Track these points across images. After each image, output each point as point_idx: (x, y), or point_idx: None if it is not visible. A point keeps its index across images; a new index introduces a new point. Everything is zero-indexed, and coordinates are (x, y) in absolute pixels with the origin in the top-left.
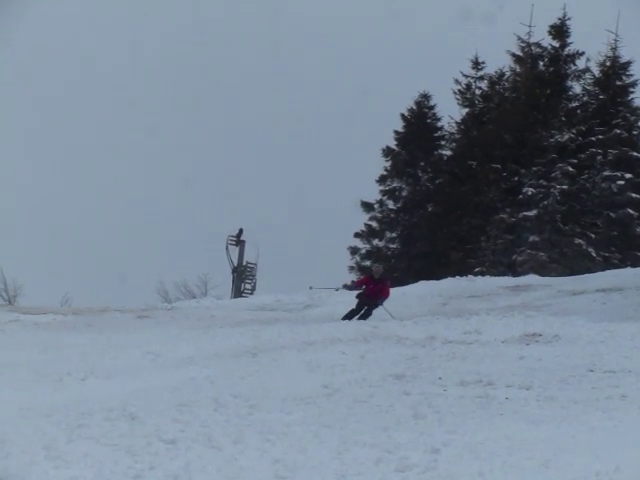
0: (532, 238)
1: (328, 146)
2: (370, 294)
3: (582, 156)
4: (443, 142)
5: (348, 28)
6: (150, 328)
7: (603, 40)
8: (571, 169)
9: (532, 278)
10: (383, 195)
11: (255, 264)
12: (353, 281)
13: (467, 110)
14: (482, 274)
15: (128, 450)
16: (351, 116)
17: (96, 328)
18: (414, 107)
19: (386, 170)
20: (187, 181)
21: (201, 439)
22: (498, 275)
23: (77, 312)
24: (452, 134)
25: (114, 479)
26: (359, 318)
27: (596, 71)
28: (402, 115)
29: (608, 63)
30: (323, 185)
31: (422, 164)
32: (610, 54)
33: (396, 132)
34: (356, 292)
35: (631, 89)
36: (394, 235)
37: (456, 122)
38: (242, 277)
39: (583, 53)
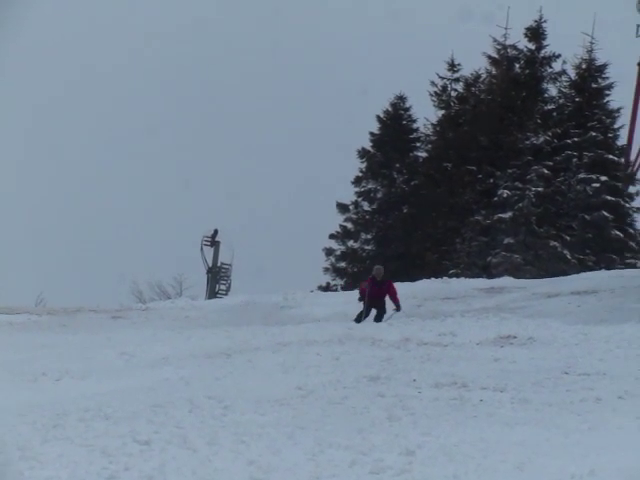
0: (507, 240)
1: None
2: (374, 296)
3: (557, 158)
4: (418, 144)
5: (348, 28)
6: (125, 328)
7: (579, 43)
8: (546, 171)
9: (507, 280)
10: (358, 196)
11: (230, 265)
12: (361, 297)
13: (443, 112)
14: (457, 276)
15: (103, 451)
16: (350, 116)
17: (71, 328)
18: (389, 109)
19: (361, 171)
20: (163, 182)
21: (176, 440)
22: (473, 277)
23: (52, 312)
24: (427, 136)
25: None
26: (375, 320)
27: (572, 74)
28: (377, 117)
29: (584, 66)
30: (300, 186)
31: (397, 166)
32: (586, 57)
33: (372, 134)
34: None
35: (607, 92)
36: (369, 236)
37: (432, 124)
38: (217, 278)
39: (559, 56)
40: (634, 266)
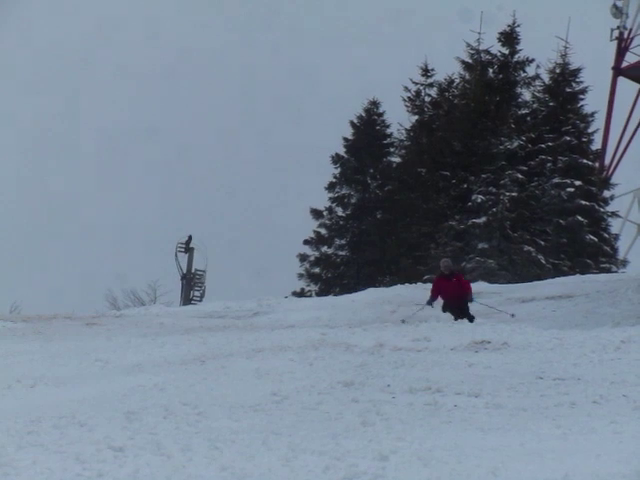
0: (481, 245)
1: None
2: (451, 297)
3: (532, 163)
4: (392, 149)
5: (348, 28)
6: (99, 335)
7: (553, 47)
8: (520, 176)
9: (481, 285)
10: (332, 202)
11: (204, 271)
12: (430, 301)
13: (416, 117)
14: (431, 281)
15: (77, 457)
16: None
17: (45, 335)
18: (363, 114)
19: (335, 177)
20: (138, 189)
21: (150, 447)
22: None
23: (26, 319)
24: (401, 141)
25: None
26: (469, 320)
27: (546, 78)
28: (351, 122)
29: (558, 70)
30: (275, 192)
31: (371, 171)
32: (560, 61)
33: (345, 139)
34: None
35: (581, 96)
36: (343, 242)
37: (405, 129)
38: (191, 284)
39: (533, 60)
40: (609, 271)
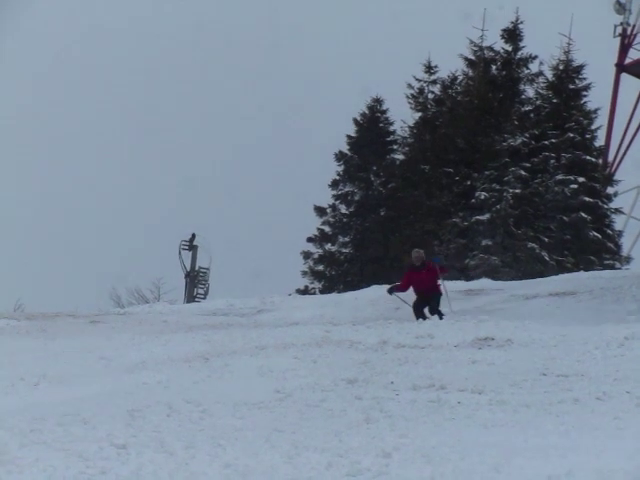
0: (485, 242)
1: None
2: (423, 287)
3: (535, 160)
4: (396, 146)
5: (349, 28)
6: (103, 333)
7: (556, 44)
8: (524, 173)
9: (485, 282)
10: (336, 199)
11: (208, 269)
12: (392, 288)
13: (420, 114)
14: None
15: (80, 455)
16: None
17: (49, 333)
18: (366, 111)
19: (338, 175)
20: (141, 186)
21: (153, 444)
22: (451, 279)
23: (30, 317)
24: (405, 138)
25: None
26: (438, 316)
27: (549, 75)
28: (354, 119)
29: (561, 67)
30: (278, 190)
31: (374, 168)
32: (563, 57)
33: (348, 136)
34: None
35: (584, 93)
36: (347, 239)
37: (409, 126)
38: (195, 282)
39: (536, 57)
40: (612, 267)
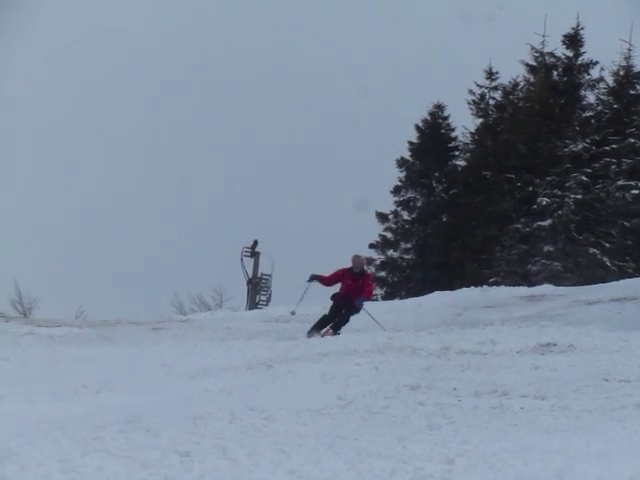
0: (547, 248)
1: (331, 150)
2: (347, 294)
3: (596, 165)
4: (457, 152)
5: (348, 28)
6: (165, 340)
7: (617, 49)
8: (585, 178)
9: (547, 288)
10: (398, 206)
11: (270, 275)
12: (315, 276)
13: (481, 120)
14: (497, 284)
15: (143, 462)
16: (352, 117)
17: (111, 340)
18: (428, 118)
19: (400, 181)
20: (204, 194)
21: (216, 451)
22: (513, 285)
23: (92, 325)
24: (466, 144)
25: None
26: (332, 329)
27: (610, 80)
28: (416, 126)
29: (622, 72)
30: (340, 196)
31: (436, 175)
32: (624, 63)
33: (410, 143)
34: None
35: None
36: (409, 246)
37: (470, 132)
38: (257, 289)
39: (597, 62)
40: None
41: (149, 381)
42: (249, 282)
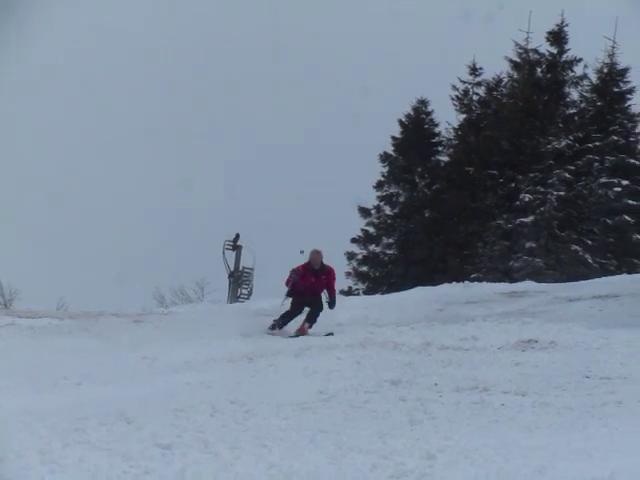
0: (529, 244)
1: (327, 148)
2: (310, 291)
3: (579, 163)
4: (440, 148)
5: (348, 28)
6: (146, 333)
7: (601, 47)
8: (568, 176)
9: (528, 284)
10: (380, 201)
11: (252, 269)
12: (289, 290)
13: (464, 116)
14: (479, 280)
15: (124, 455)
16: (350, 117)
17: (92, 332)
18: (411, 113)
19: (383, 176)
20: (183, 184)
21: (197, 444)
22: (495, 281)
23: (73, 316)
24: (449, 140)
25: None
26: (308, 321)
27: (594, 78)
28: (400, 121)
29: (606, 70)
30: (320, 188)
31: (419, 170)
32: (608, 61)
33: (393, 138)
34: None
35: (628, 96)
36: (391, 241)
37: (453, 128)
38: (239, 282)
39: (581, 60)
40: None
41: (130, 374)
42: (231, 275)
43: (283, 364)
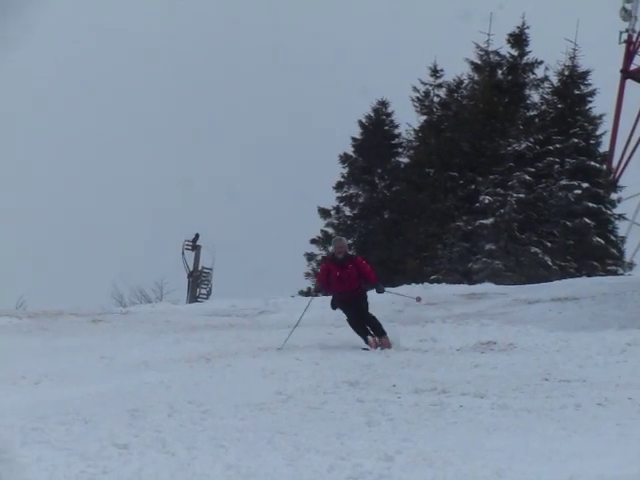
0: (488, 246)
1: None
2: (343, 290)
3: (539, 165)
4: (400, 149)
5: (348, 28)
6: (105, 332)
7: (562, 49)
8: (528, 178)
9: (488, 286)
10: (340, 201)
11: (211, 269)
12: (315, 285)
13: (425, 118)
14: (438, 282)
15: (81, 454)
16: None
17: (51, 331)
18: (372, 114)
19: (343, 177)
20: (146, 185)
21: (155, 444)
22: (454, 283)
23: (32, 315)
24: (410, 141)
25: None
26: (377, 336)
27: (555, 80)
28: (360, 122)
29: (567, 72)
30: (282, 191)
31: (379, 171)
32: (569, 63)
33: (353, 139)
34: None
35: (589, 98)
36: (350, 242)
37: (414, 129)
38: (198, 282)
39: (542, 62)
40: (615, 273)
41: (89, 373)
42: (190, 275)
43: (241, 364)
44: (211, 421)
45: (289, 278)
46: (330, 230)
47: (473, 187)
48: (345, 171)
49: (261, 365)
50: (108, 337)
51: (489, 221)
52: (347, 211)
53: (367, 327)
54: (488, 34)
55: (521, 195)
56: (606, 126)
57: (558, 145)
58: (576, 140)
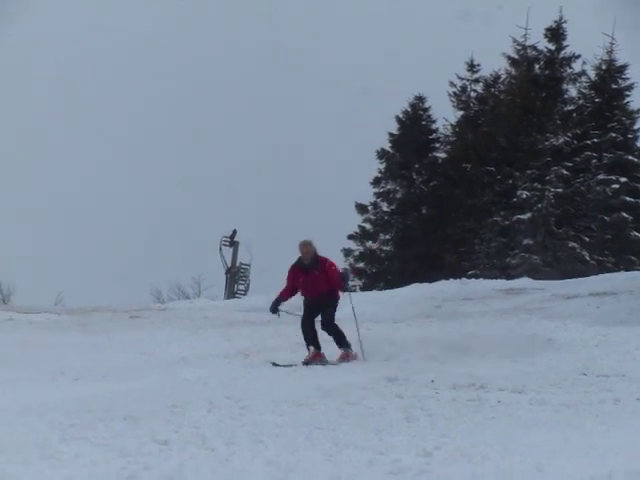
0: (526, 241)
1: (326, 146)
2: (309, 294)
3: (577, 159)
4: (438, 145)
5: (348, 28)
6: (143, 328)
7: (599, 43)
8: (566, 172)
9: (525, 281)
10: (377, 197)
11: (248, 265)
12: (275, 303)
13: (462, 113)
14: (476, 277)
15: (121, 451)
16: (350, 116)
17: (90, 328)
18: (409, 109)
19: (380, 172)
20: (184, 181)
21: (194, 440)
22: (492, 278)
23: (71, 312)
24: (447, 137)
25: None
26: (337, 344)
27: (592, 74)
28: (397, 117)
29: (604, 66)
30: (318, 185)
31: (416, 166)
32: (606, 57)
33: (390, 134)
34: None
35: (627, 92)
36: (388, 237)
37: (451, 125)
38: (235, 278)
39: (579, 56)
40: None
41: (127, 369)
42: (228, 271)
43: (279, 360)
44: (250, 417)
45: None
46: (367, 226)
47: (510, 182)
48: (382, 167)
49: (298, 360)
50: (146, 333)
51: (526, 216)
52: (384, 207)
53: (317, 336)
54: (525, 28)
55: (559, 190)
56: None
57: (596, 139)
58: (614, 134)
